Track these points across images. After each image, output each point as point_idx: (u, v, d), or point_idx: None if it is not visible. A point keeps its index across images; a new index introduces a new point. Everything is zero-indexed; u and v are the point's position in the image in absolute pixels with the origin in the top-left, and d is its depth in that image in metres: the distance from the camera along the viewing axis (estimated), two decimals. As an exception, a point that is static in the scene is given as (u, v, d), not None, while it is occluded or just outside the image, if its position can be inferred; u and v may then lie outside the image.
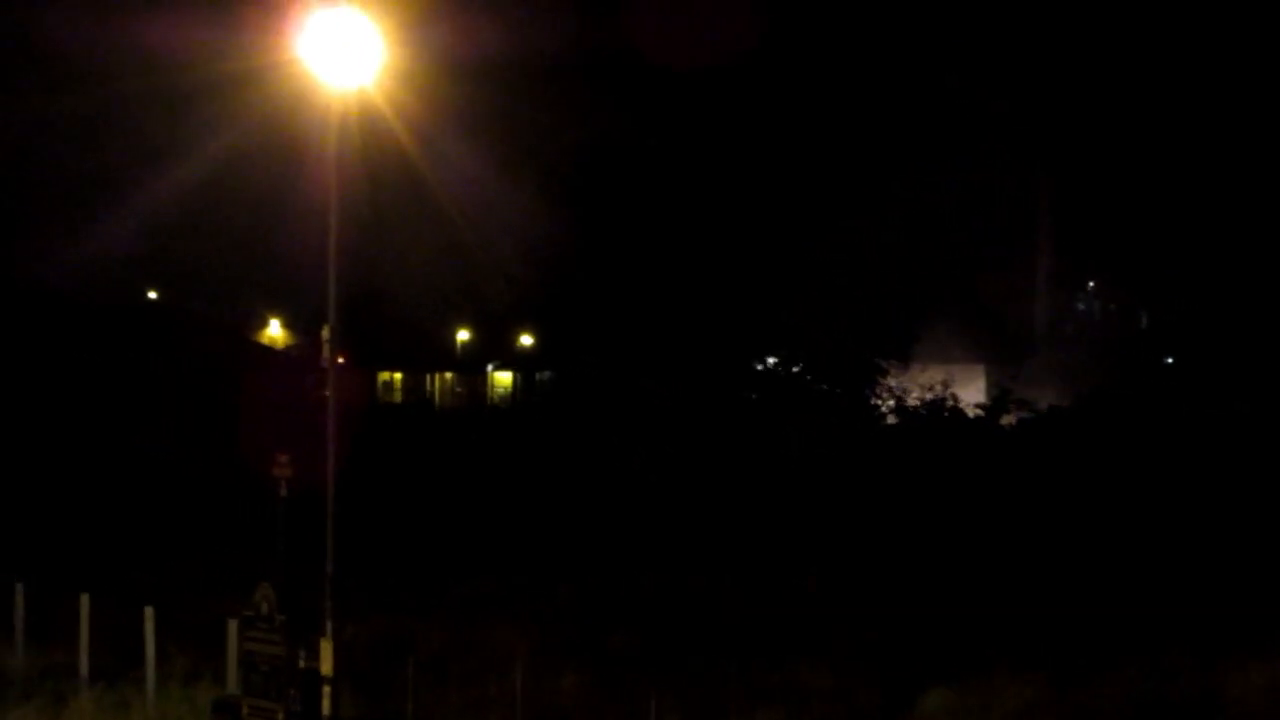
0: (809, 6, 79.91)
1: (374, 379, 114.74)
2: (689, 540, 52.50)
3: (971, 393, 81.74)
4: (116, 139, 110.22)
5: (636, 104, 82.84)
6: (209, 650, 29.13)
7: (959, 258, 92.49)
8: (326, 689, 24.31)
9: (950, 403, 75.48)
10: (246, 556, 41.53)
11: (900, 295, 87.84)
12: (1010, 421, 75.66)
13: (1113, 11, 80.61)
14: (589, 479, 65.76)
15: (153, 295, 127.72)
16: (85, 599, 30.55)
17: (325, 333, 25.33)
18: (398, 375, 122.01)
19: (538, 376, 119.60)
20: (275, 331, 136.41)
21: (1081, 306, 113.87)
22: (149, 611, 28.84)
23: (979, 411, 76.87)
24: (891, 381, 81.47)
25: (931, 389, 76.68)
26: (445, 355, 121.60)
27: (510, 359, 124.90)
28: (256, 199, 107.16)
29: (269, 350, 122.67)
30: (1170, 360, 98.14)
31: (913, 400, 77.35)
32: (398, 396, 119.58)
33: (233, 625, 26.57)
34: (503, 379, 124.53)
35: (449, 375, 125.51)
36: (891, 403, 78.07)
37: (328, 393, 25.31)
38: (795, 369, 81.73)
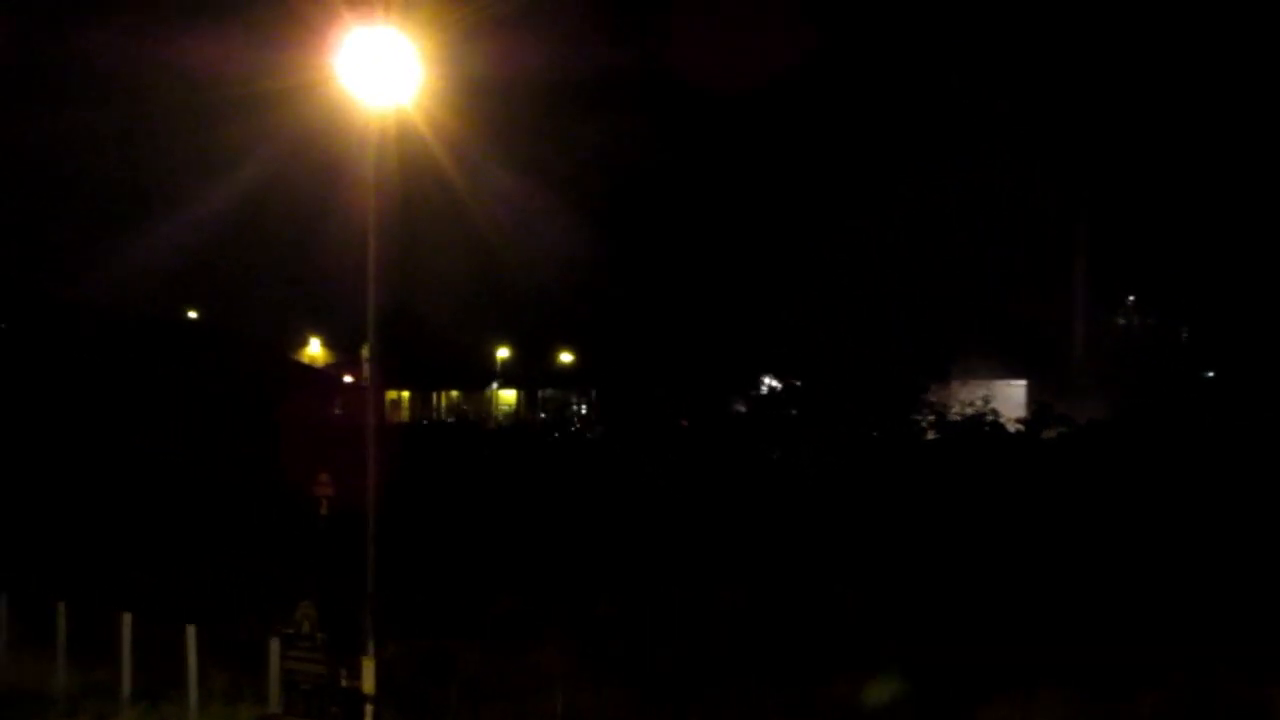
0: (847, 27, 79.76)
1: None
2: (718, 553, 52.41)
3: (1012, 408, 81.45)
4: (158, 156, 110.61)
5: (671, 124, 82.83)
6: (250, 668, 29.14)
7: (998, 274, 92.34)
8: (369, 708, 24.31)
9: (990, 418, 75.26)
10: (286, 573, 41.62)
11: (941, 312, 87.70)
12: (1050, 436, 75.38)
13: (1151, 26, 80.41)
14: (616, 494, 65.85)
15: (193, 314, 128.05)
16: (127, 618, 30.57)
17: (365, 351, 25.37)
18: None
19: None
20: (315, 350, 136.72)
21: (1121, 321, 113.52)
22: (190, 630, 28.85)
23: (1019, 426, 76.61)
24: (931, 397, 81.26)
25: (971, 404, 76.50)
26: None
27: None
28: (296, 217, 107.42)
29: (309, 368, 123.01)
30: (1210, 374, 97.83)
31: (953, 415, 77.16)
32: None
33: (274, 643, 26.57)
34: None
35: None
36: (932, 418, 77.82)
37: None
38: (807, 383, 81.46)
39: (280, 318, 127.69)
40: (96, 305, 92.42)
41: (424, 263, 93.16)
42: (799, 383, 79.59)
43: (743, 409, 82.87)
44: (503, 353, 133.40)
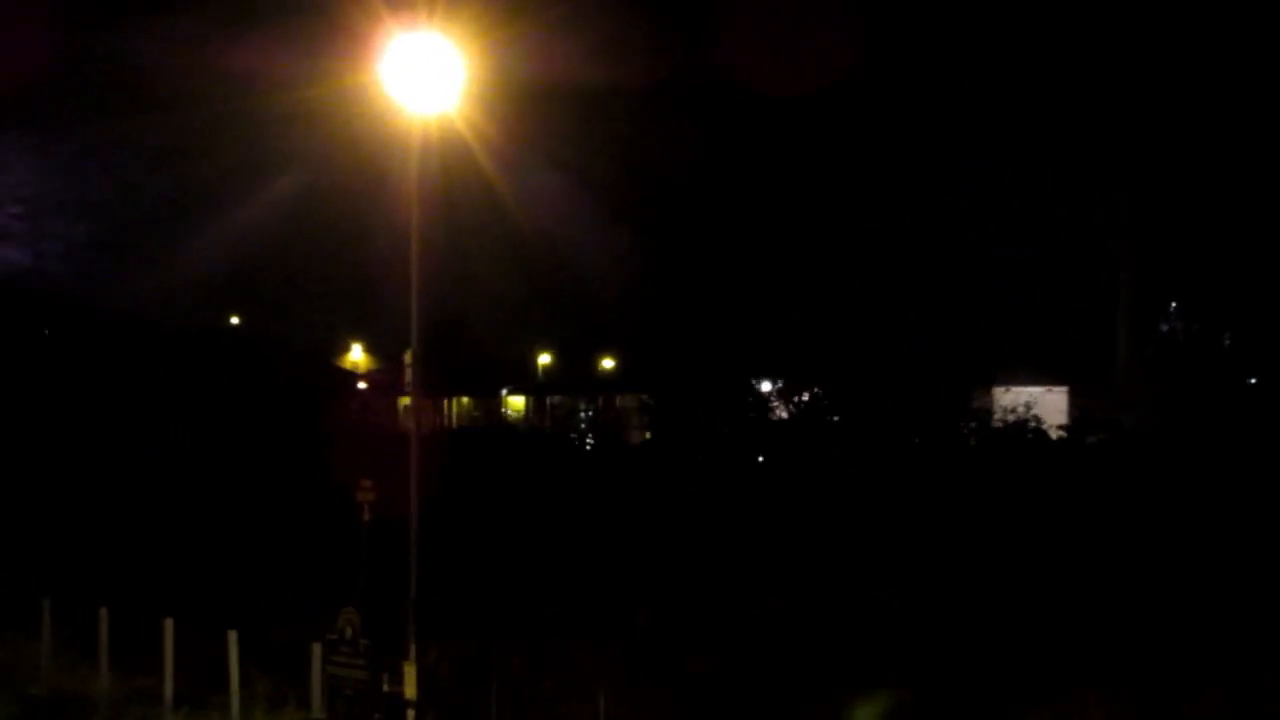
0: (892, 30, 79.54)
1: (396, 404, 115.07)
2: (760, 559, 52.46)
3: (1054, 415, 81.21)
4: (202, 163, 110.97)
5: (719, 129, 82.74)
6: (292, 673, 29.18)
7: (1041, 279, 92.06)
8: (411, 713, 24.34)
9: (1033, 424, 75.10)
10: (328, 578, 41.71)
11: (983, 317, 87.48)
12: (1092, 442, 75.20)
13: (1196, 29, 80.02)
14: (656, 499, 66.01)
15: (235, 320, 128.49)
16: (169, 624, 30.64)
17: (407, 357, 25.40)
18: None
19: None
20: (357, 356, 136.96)
21: (1164, 327, 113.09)
22: (233, 636, 28.90)
23: (1061, 433, 76.43)
24: (974, 404, 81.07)
25: (1013, 411, 76.33)
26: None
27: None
28: (339, 223, 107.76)
29: (351, 375, 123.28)
30: (1254, 380, 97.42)
31: (995, 422, 76.99)
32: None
33: (316, 649, 26.61)
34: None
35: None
36: (974, 424, 77.65)
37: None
38: (849, 389, 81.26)
39: (322, 324, 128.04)
40: (140, 313, 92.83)
41: (451, 268, 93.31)
42: (841, 388, 79.44)
43: (784, 415, 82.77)
44: (544, 359, 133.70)
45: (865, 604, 43.84)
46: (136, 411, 77.42)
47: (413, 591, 24.55)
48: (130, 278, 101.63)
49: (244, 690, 28.93)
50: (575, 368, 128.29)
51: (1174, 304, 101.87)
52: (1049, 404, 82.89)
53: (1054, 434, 75.74)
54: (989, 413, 79.19)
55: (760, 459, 73.38)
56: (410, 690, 24.30)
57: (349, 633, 24.83)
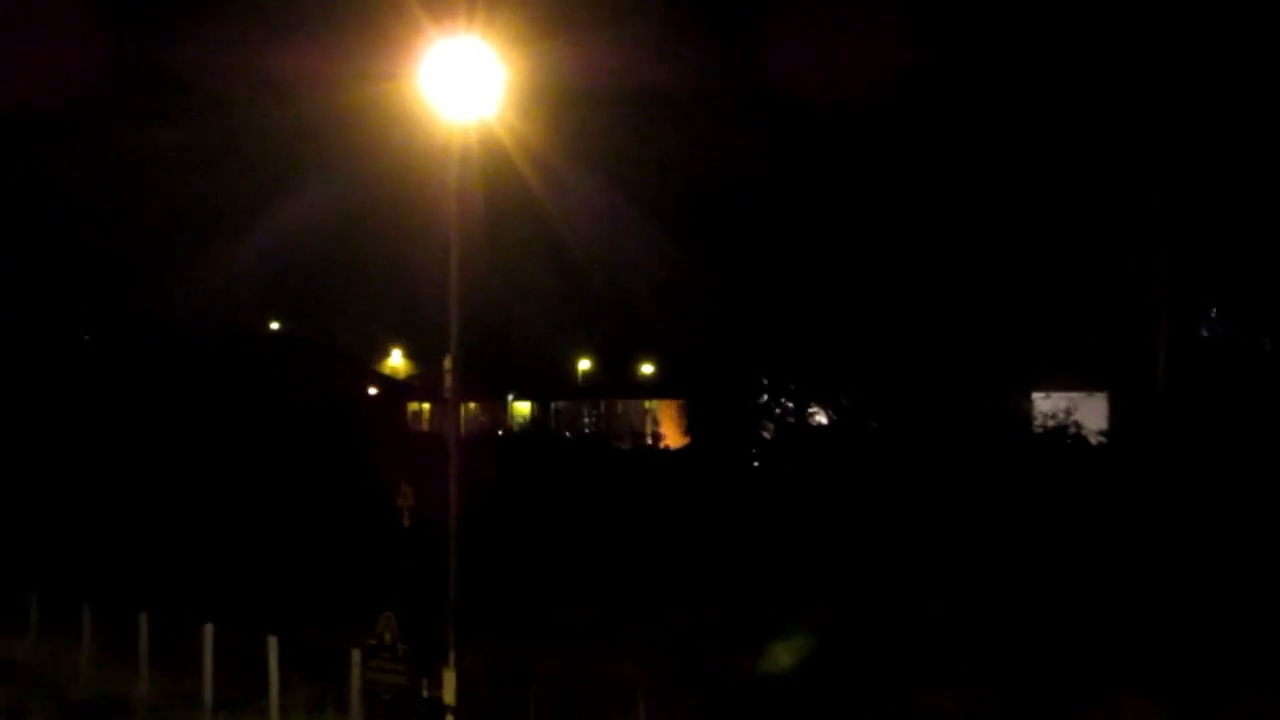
0: (939, 37, 79.25)
1: (405, 409, 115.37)
2: (800, 564, 52.40)
3: (1094, 420, 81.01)
4: (243, 170, 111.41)
5: (764, 135, 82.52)
6: (331, 678, 29.20)
7: (1080, 284, 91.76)
8: (449, 718, 24.33)
9: (1073, 430, 74.97)
10: (367, 583, 41.76)
11: (1024, 323, 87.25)
12: (1132, 447, 74.99)
13: (1232, 36, 79.71)
14: (697, 505, 66.04)
15: (275, 325, 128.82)
16: (209, 629, 30.71)
17: (447, 363, 25.38)
18: (425, 405, 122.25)
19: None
20: (396, 361, 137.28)
21: (1205, 333, 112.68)
22: (272, 640, 28.93)
23: (1101, 439, 76.27)
24: (1015, 409, 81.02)
25: (1054, 416, 76.22)
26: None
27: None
28: (379, 229, 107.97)
29: (391, 380, 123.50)
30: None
31: (1036, 428, 76.92)
32: (426, 425, 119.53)
33: (356, 654, 26.63)
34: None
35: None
36: (1015, 431, 77.56)
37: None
38: (891, 395, 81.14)
39: (362, 328, 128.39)
40: (179, 317, 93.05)
41: (492, 273, 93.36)
42: (881, 394, 79.45)
43: (824, 421, 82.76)
44: (584, 364, 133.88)
45: (910, 611, 43.74)
46: (174, 416, 77.57)
47: (452, 597, 24.53)
48: (171, 282, 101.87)
49: (283, 694, 28.97)
50: (614, 372, 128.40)
51: (1214, 309, 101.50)
52: (1089, 409, 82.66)
53: (1094, 439, 75.58)
54: (1029, 418, 79.08)
55: (801, 463, 73.37)
56: (450, 696, 24.29)
57: (388, 638, 24.85)
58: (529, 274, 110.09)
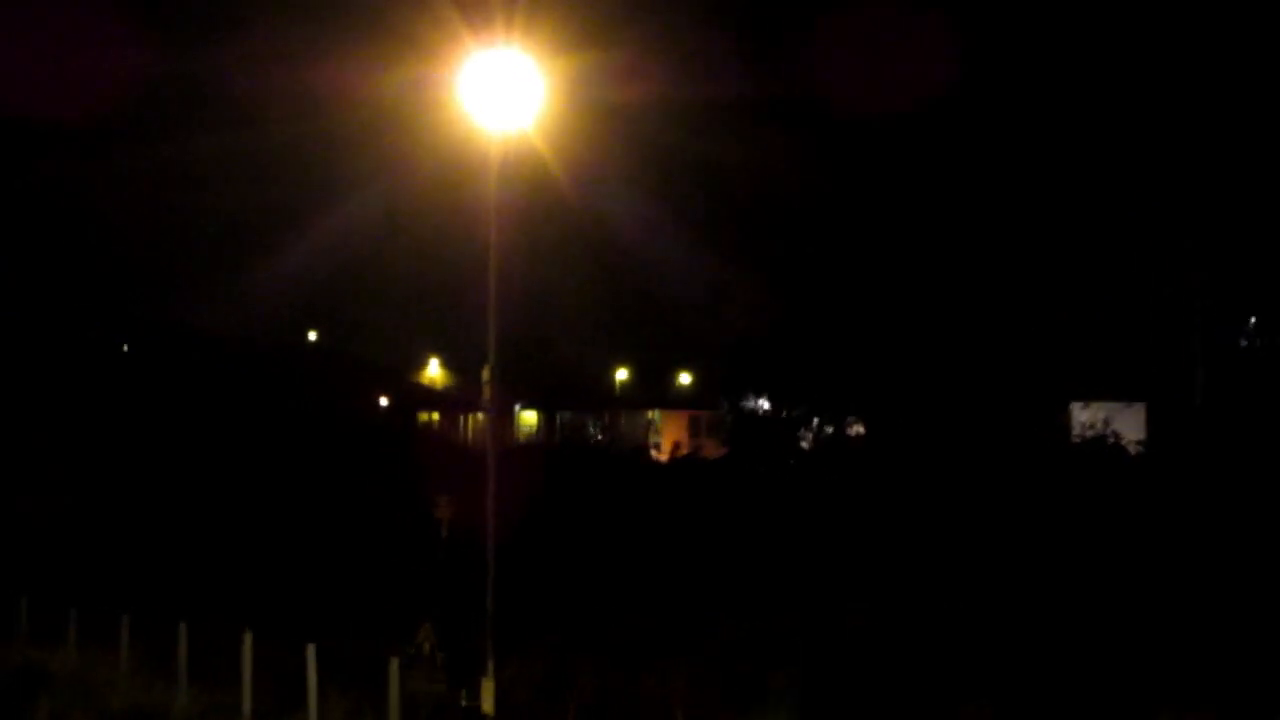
0: (982, 52, 79.08)
1: (414, 418, 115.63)
2: (837, 575, 52.29)
3: (1132, 430, 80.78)
4: (282, 181, 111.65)
5: (807, 146, 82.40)
6: (370, 688, 29.19)
7: (1118, 294, 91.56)
8: (488, 728, 24.36)
9: (1111, 440, 74.79)
10: (407, 593, 41.78)
11: (1063, 334, 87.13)
12: (1171, 457, 74.76)
13: (1253, 44, 79.47)
14: (734, 515, 65.95)
15: (313, 336, 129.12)
16: (248, 639, 30.71)
17: (485, 374, 25.42)
18: (435, 415, 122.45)
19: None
20: (435, 372, 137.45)
21: (1244, 343, 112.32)
22: (311, 650, 28.91)
23: (1139, 448, 76.07)
24: (1053, 419, 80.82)
25: (1092, 426, 76.03)
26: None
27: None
28: (418, 240, 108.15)
29: (429, 391, 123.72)
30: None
31: (1074, 438, 76.72)
32: (467, 435, 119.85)
33: (394, 664, 26.61)
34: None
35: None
36: (1054, 441, 77.35)
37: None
38: (929, 406, 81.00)
39: (400, 339, 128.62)
40: (220, 329, 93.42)
41: (530, 285, 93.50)
42: (921, 404, 79.38)
43: (861, 429, 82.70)
44: (621, 374, 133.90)
45: (950, 620, 43.63)
46: (214, 426, 77.80)
47: (490, 608, 24.55)
48: (211, 294, 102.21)
49: (322, 704, 28.94)
50: (652, 384, 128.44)
51: (1252, 319, 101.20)
52: (1127, 420, 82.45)
53: (1132, 449, 75.40)
54: (1068, 428, 78.94)
55: (841, 473, 73.27)
56: (488, 705, 24.31)
57: (427, 648, 24.90)
58: (558, 284, 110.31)
